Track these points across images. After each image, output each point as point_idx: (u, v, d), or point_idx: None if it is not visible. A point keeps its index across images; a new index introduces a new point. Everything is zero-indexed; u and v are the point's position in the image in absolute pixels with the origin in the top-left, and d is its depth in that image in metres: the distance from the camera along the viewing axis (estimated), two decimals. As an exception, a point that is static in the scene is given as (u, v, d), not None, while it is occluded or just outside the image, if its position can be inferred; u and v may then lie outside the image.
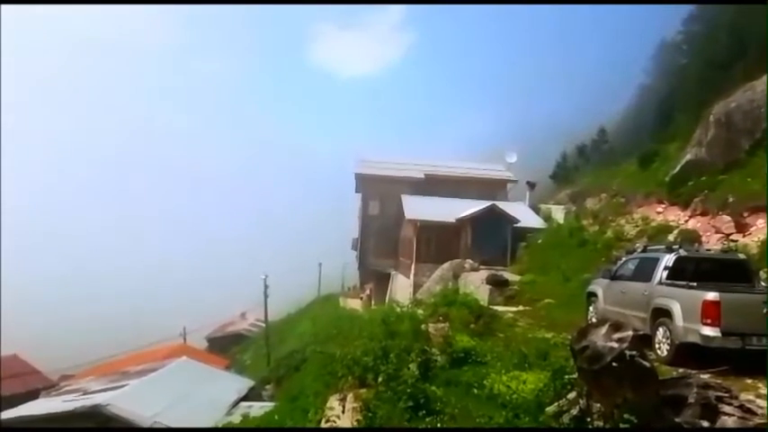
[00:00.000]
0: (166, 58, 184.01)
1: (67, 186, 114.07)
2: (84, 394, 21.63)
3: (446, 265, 27.83)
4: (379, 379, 7.41)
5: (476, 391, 7.52)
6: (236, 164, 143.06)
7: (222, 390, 24.20)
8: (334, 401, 8.23)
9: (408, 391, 6.75)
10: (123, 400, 19.36)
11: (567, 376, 6.45)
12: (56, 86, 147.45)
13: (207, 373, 26.85)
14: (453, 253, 29.97)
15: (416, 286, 30.32)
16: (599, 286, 13.90)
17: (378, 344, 8.81)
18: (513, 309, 18.41)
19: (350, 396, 7.62)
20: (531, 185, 39.73)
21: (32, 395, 24.65)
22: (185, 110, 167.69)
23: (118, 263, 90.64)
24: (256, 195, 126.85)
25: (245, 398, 24.43)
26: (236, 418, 20.09)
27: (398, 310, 13.09)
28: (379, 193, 39.03)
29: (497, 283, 21.88)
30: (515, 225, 31.28)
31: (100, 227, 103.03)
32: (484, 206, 32.00)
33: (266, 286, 36.04)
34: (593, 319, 13.03)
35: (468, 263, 27.06)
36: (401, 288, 33.83)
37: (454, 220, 32.02)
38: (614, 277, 13.20)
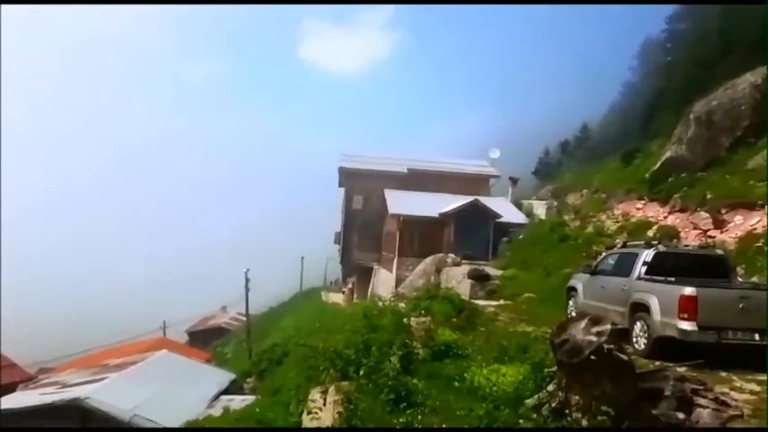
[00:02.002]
0: (157, 58, 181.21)
1: (53, 184, 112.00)
2: (62, 387, 21.34)
3: (429, 259, 27.90)
4: (361, 372, 7.42)
5: (457, 383, 7.57)
6: (221, 161, 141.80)
7: (203, 383, 24.05)
8: (315, 394, 8.21)
9: (390, 384, 6.77)
10: (103, 394, 19.15)
11: (546, 369, 6.52)
12: (57, 85, 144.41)
13: (187, 367, 26.65)
14: (436, 247, 30.06)
15: (399, 280, 30.40)
16: (579, 281, 14.07)
17: (360, 337, 8.82)
18: (495, 303, 18.55)
19: (331, 389, 7.61)
20: (514, 181, 40.00)
21: (10, 389, 24.22)
22: (175, 110, 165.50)
23: (101, 258, 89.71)
24: (240, 192, 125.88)
25: (225, 391, 24.30)
26: (216, 411, 19.95)
27: (381, 304, 13.14)
28: (363, 187, 38.94)
29: (479, 278, 22.02)
30: (498, 220, 31.48)
31: (83, 223, 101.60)
32: (467, 201, 32.12)
33: (247, 280, 35.85)
34: (573, 314, 13.20)
35: (451, 257, 27.15)
36: (384, 282, 33.87)
37: (437, 215, 32.12)
38: (594, 272, 13.37)
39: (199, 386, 23.47)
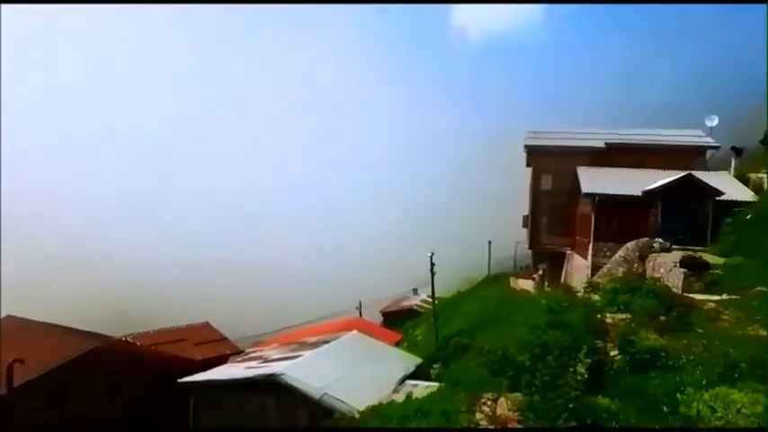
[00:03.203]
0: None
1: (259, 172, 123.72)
2: (264, 362, 23.14)
3: (631, 244, 24.85)
4: (536, 383, 6.15)
5: (665, 408, 5.86)
6: (404, 141, 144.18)
7: (389, 366, 24.31)
8: (485, 401, 7.18)
9: (570, 406, 5.37)
10: (296, 371, 20.19)
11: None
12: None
13: (375, 348, 27.25)
14: (639, 231, 26.73)
15: (595, 268, 27.74)
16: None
17: (538, 337, 7.49)
18: (716, 298, 15.38)
19: (502, 399, 6.51)
20: (738, 151, 33.99)
21: (222, 360, 27.16)
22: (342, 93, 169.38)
23: (323, 241, 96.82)
24: (427, 173, 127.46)
25: (412, 375, 24.29)
26: (400, 397, 19.89)
27: (570, 294, 11.50)
28: (552, 166, 36.52)
29: (694, 267, 18.69)
30: (717, 198, 26.86)
31: (290, 204, 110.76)
32: (677, 176, 27.96)
33: (432, 264, 35.60)
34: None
35: (658, 242, 23.81)
36: (577, 269, 31.26)
37: (640, 194, 28.48)
38: None
39: (386, 369, 23.76)
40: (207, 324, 32.98)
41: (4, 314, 28.42)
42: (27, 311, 28.88)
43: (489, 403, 6.79)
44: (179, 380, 21.06)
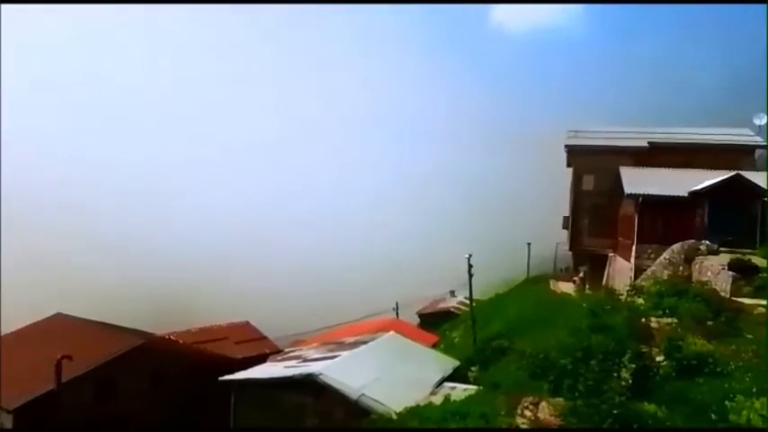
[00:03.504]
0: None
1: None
2: (302, 361, 23.41)
3: (676, 246, 24.16)
4: (579, 388, 6.05)
5: (713, 415, 5.68)
6: (445, 140, 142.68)
7: (427, 368, 24.26)
8: (526, 405, 7.10)
9: (615, 412, 5.26)
10: (334, 371, 20.36)
11: None
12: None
13: (412, 350, 27.23)
14: (685, 232, 25.97)
15: (638, 270, 27.07)
16: None
17: (581, 341, 7.36)
18: (766, 302, 14.85)
19: (543, 404, 6.43)
20: (791, 150, 32.68)
21: (262, 359, 27.60)
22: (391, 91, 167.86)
23: (361, 241, 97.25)
24: (464, 171, 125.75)
25: (449, 377, 24.18)
26: (438, 399, 19.83)
27: (615, 298, 11.27)
28: (594, 166, 35.86)
29: (743, 270, 18.00)
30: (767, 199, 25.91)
31: (331, 202, 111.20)
32: (725, 176, 27.09)
33: (470, 265, 35.38)
34: None
35: (705, 244, 23.10)
36: (620, 272, 30.58)
37: (686, 194, 27.70)
38: None
39: (423, 371, 23.71)
40: (247, 323, 33.59)
41: (52, 312, 29.51)
42: (72, 309, 29.96)
43: (530, 407, 6.71)
44: (220, 377, 21.52)
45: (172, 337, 27.00)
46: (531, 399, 7.06)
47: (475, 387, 20.79)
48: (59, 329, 26.42)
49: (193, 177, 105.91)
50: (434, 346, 36.92)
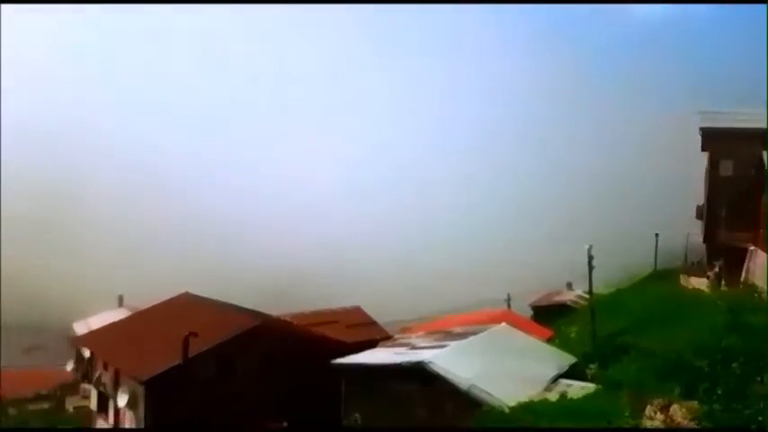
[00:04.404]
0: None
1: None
2: (411, 349, 23.42)
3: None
4: (717, 392, 5.32)
5: None
6: (567, 128, 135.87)
7: (541, 363, 23.34)
8: (654, 409, 6.41)
9: (760, 418, 4.54)
10: (444, 360, 20.13)
11: None
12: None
13: (526, 343, 26.37)
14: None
15: (786, 266, 24.15)
16: None
17: (718, 341, 6.52)
18: None
19: (674, 407, 5.75)
20: None
21: (372, 344, 27.88)
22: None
23: (476, 230, 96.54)
24: (583, 155, 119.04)
25: (565, 374, 23.06)
26: (553, 396, 18.95)
27: (756, 296, 9.98)
28: (733, 150, 32.65)
29: None
30: None
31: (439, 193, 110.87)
32: None
33: (590, 257, 33.39)
34: None
35: None
36: (761, 268, 27.52)
37: None
38: None
39: (537, 365, 22.81)
40: (358, 308, 34.23)
41: (178, 292, 31.69)
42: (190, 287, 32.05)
43: (661, 409, 6.05)
44: (331, 361, 22.03)
45: (286, 318, 28.11)
46: (660, 401, 6.37)
47: (593, 385, 19.67)
48: (186, 308, 28.44)
49: (307, 168, 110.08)
50: (549, 340, 35.44)
